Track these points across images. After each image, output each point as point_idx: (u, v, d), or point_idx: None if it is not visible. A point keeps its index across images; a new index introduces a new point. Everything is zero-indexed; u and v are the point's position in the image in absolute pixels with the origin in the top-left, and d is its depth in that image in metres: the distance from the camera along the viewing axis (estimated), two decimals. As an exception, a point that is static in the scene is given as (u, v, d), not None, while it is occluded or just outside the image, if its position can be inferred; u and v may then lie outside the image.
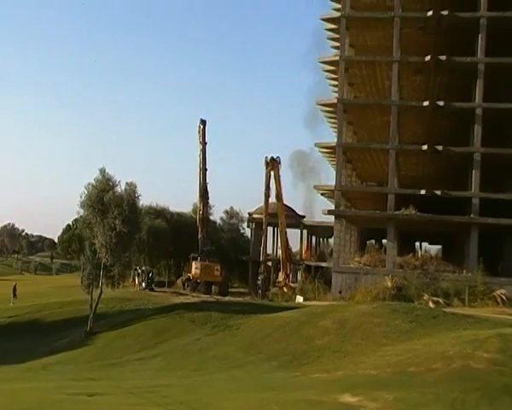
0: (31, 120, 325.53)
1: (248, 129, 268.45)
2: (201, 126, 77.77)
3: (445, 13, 72.53)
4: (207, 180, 78.65)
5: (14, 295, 73.77)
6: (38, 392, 35.41)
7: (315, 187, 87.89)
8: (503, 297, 63.23)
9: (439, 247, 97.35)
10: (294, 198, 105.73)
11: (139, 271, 74.45)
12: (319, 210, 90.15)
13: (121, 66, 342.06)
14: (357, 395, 31.37)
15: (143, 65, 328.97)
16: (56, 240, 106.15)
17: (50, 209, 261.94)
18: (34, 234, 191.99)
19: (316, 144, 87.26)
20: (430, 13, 72.70)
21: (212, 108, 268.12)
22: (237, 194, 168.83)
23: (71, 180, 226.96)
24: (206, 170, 78.15)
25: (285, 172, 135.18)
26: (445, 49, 72.97)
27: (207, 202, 79.23)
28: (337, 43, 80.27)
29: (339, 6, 77.81)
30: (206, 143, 77.86)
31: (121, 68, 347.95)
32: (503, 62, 72.09)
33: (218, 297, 67.21)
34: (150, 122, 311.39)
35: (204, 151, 77.73)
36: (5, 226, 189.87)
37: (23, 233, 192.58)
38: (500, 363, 34.33)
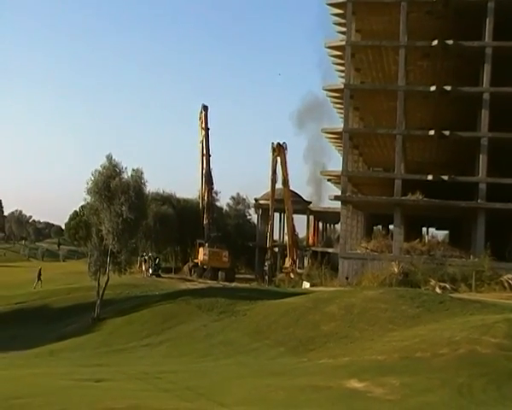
0: (40, 107, 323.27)
1: (254, 114, 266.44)
2: (203, 112, 77.94)
3: (452, -4, 72.50)
4: (211, 166, 78.92)
5: (39, 279, 74.45)
6: (46, 378, 35.58)
7: (321, 173, 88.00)
8: (511, 282, 63.24)
9: (446, 232, 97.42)
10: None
11: (146, 257, 74.61)
12: (326, 196, 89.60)
13: (122, 54, 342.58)
14: (364, 380, 31.48)
15: (148, 53, 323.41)
16: (63, 227, 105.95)
17: (57, 196, 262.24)
18: (41, 221, 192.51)
19: (322, 130, 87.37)
20: (437, -4, 72.72)
21: (216, 93, 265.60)
22: (244, 180, 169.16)
23: (78, 167, 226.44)
24: (209, 156, 78.29)
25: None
26: (452, 33, 72.69)
27: (212, 188, 79.37)
28: (343, 28, 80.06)
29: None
30: (208, 129, 78.00)
31: (123, 56, 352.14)
32: (510, 46, 71.85)
33: (225, 283, 67.34)
34: (156, 109, 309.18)
35: (207, 137, 77.83)
36: (12, 213, 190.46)
37: (30, 220, 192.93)
38: (507, 348, 34.37)
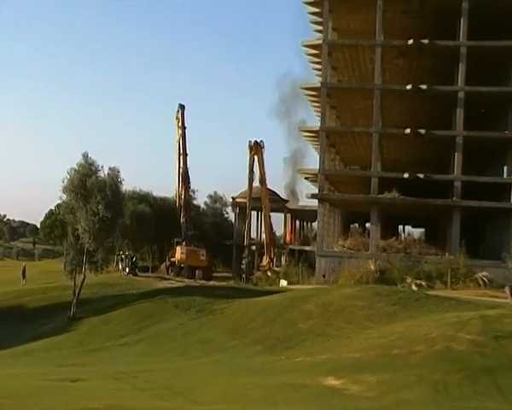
0: (13, 105, 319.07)
1: (232, 112, 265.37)
2: (180, 111, 77.98)
3: (426, -5, 72.98)
4: (188, 165, 79.04)
5: (24, 277, 75.12)
6: (21, 378, 35.51)
7: (299, 170, 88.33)
8: (485, 279, 63.69)
9: (422, 230, 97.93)
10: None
11: (122, 256, 74.62)
12: (303, 195, 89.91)
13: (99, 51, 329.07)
14: (341, 377, 31.64)
15: (126, 50, 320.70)
16: (39, 225, 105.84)
17: (32, 195, 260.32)
18: (16, 219, 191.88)
19: (299, 128, 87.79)
20: (411, -3, 73.19)
21: (194, 90, 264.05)
22: (221, 178, 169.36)
23: (53, 165, 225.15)
24: (186, 155, 78.42)
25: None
26: (428, 32, 73.08)
27: (189, 187, 79.48)
28: (320, 27, 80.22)
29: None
30: (185, 128, 78.06)
31: (101, 54, 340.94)
32: (484, 46, 72.35)
33: (202, 282, 67.41)
34: (132, 107, 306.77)
35: (184, 136, 77.93)
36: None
37: (4, 219, 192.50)
38: (482, 344, 34.66)
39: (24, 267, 77.61)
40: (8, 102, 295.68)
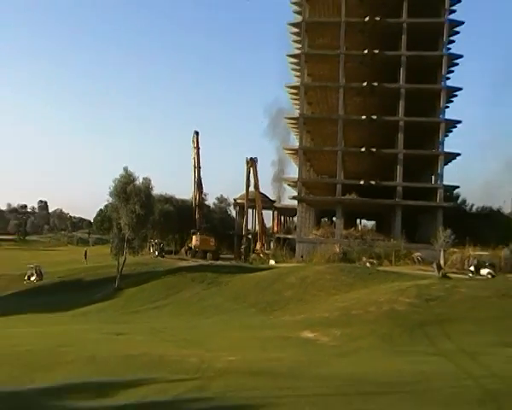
0: (77, 124, 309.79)
1: (235, 133, 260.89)
2: (195, 136, 77.98)
3: (376, 51, 73.28)
4: (201, 175, 79.10)
5: (86, 258, 76.06)
6: (79, 332, 35.60)
7: (282, 178, 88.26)
8: (419, 258, 64.00)
9: (374, 222, 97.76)
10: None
11: (153, 243, 74.54)
12: (286, 197, 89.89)
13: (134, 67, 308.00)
14: (315, 331, 31.80)
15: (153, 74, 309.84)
16: (92, 220, 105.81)
17: (87, 197, 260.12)
18: (76, 216, 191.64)
19: (283, 147, 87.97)
20: (366, 51, 73.42)
21: (206, 116, 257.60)
22: (225, 184, 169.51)
23: (102, 174, 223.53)
24: (200, 168, 78.46)
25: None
26: (378, 77, 73.53)
27: (202, 192, 79.40)
28: (298, 73, 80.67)
29: (299, 45, 78.23)
30: (199, 149, 78.05)
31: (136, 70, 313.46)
32: (417, 87, 73.14)
33: (212, 261, 67.30)
34: (160, 129, 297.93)
35: (198, 154, 77.90)
36: (55, 211, 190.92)
37: (68, 216, 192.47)
38: (416, 305, 34.90)
39: (86, 251, 78.93)
40: (76, 128, 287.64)
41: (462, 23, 75.73)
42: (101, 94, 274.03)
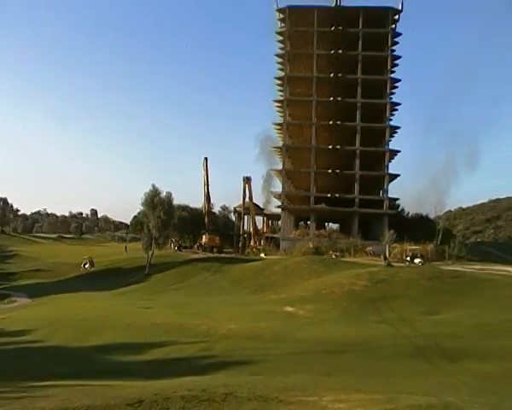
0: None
1: (236, 157, 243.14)
2: (205, 161, 77.23)
3: (339, 99, 73.36)
4: (210, 190, 78.52)
5: (126, 251, 74.33)
6: (120, 306, 35.57)
7: (271, 192, 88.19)
8: (371, 251, 63.87)
9: (338, 225, 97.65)
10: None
11: (173, 240, 74.09)
12: (273, 206, 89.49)
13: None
14: (294, 306, 31.85)
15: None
16: (129, 223, 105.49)
17: (126, 206, 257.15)
18: (117, 220, 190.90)
19: (271, 169, 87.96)
20: (331, 98, 73.52)
21: (213, 142, 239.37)
22: (228, 196, 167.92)
23: (137, 187, 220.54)
24: (208, 185, 77.78)
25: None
26: (340, 117, 73.54)
27: (210, 202, 78.97)
28: (282, 114, 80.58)
29: (282, 93, 78.31)
30: (207, 170, 77.14)
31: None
32: (370, 126, 73.22)
33: (217, 254, 67.04)
34: (179, 152, 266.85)
35: (207, 175, 77.10)
36: (102, 216, 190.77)
37: (111, 220, 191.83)
38: (368, 286, 34.97)
39: (126, 246, 78.52)
40: (115, 151, 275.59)
41: (399, 80, 76.55)
42: (138, 132, 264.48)
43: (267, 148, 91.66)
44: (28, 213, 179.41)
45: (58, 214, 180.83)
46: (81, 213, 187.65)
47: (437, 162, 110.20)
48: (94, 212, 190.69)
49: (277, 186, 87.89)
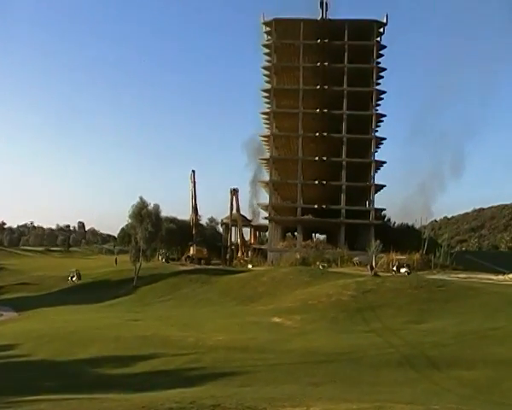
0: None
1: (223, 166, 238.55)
2: (192, 174, 76.69)
3: (325, 110, 73.97)
4: (197, 202, 77.96)
5: (116, 263, 73.52)
6: (106, 319, 35.32)
7: (258, 204, 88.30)
8: (358, 262, 64.08)
9: (325, 235, 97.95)
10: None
11: (161, 252, 73.56)
12: (261, 217, 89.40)
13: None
14: (281, 317, 31.84)
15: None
16: (116, 236, 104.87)
17: (113, 218, 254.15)
18: (104, 233, 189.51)
19: (258, 181, 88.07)
20: (317, 110, 74.08)
21: (201, 154, 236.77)
22: (215, 207, 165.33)
23: (123, 200, 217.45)
24: (196, 197, 77.18)
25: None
26: (326, 129, 74.11)
27: (197, 214, 78.46)
28: (268, 126, 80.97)
29: (269, 105, 78.65)
30: (195, 183, 76.68)
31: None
32: (355, 137, 73.87)
33: (205, 266, 66.68)
34: (166, 165, 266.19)
35: (194, 187, 76.50)
36: (89, 229, 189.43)
37: (99, 232, 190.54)
38: (355, 296, 35.10)
39: (116, 258, 77.88)
40: (100, 165, 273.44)
41: (385, 92, 77.35)
42: (127, 140, 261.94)
43: (255, 154, 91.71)
44: (15, 226, 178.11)
45: (45, 227, 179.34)
46: (68, 226, 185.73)
47: (422, 172, 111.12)
48: (81, 224, 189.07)
49: (264, 197, 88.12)
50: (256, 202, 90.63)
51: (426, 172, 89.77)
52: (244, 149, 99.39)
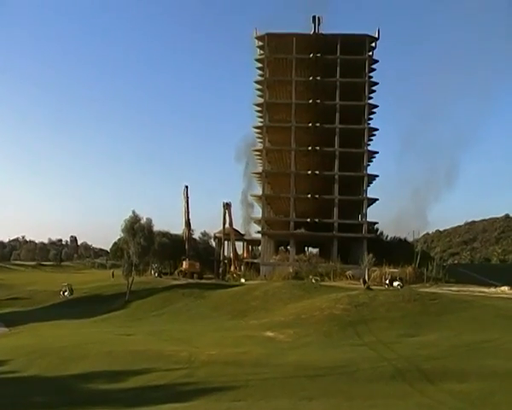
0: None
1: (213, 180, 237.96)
2: (185, 189, 76.62)
3: (318, 124, 74.42)
4: (190, 216, 77.81)
5: (113, 276, 72.47)
6: (100, 333, 35.11)
7: (251, 218, 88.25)
8: (350, 275, 64.17)
9: (318, 249, 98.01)
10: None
11: (153, 266, 73.34)
12: (254, 231, 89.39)
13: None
14: (274, 331, 31.77)
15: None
16: (109, 250, 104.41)
17: (106, 232, 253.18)
18: (97, 247, 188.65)
19: (251, 195, 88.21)
20: (310, 124, 74.50)
21: (194, 171, 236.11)
22: (208, 222, 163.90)
23: (116, 214, 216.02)
24: (189, 212, 77.08)
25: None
26: (319, 143, 74.48)
27: (190, 228, 78.37)
28: (261, 139, 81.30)
29: (262, 119, 79.08)
30: (188, 198, 76.65)
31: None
32: (347, 151, 74.23)
33: (197, 280, 66.48)
34: (161, 181, 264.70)
35: (187, 202, 76.50)
36: (82, 243, 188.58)
37: (91, 246, 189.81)
38: (348, 310, 35.12)
39: (113, 272, 76.89)
40: (94, 180, 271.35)
41: (377, 106, 77.89)
42: (118, 158, 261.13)
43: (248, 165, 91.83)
44: (6, 240, 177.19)
45: (37, 241, 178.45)
46: (60, 240, 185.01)
47: (415, 185, 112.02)
48: (73, 239, 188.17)
49: (257, 211, 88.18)
50: (249, 216, 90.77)
51: (418, 185, 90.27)
52: (237, 161, 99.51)
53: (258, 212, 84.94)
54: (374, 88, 77.54)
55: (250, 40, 78.87)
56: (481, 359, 21.41)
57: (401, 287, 51.69)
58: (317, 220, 74.06)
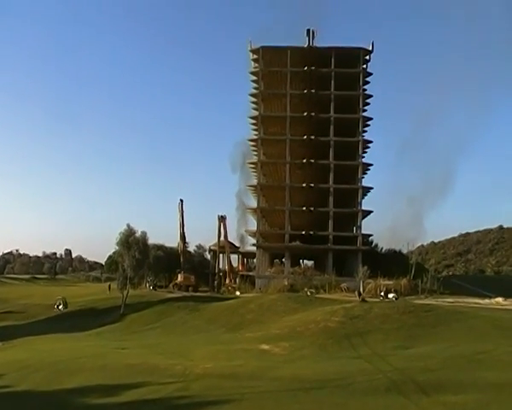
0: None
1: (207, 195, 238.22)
2: (180, 203, 76.71)
3: (312, 137, 74.80)
4: (185, 229, 77.77)
5: (109, 290, 71.21)
6: (94, 347, 34.88)
7: (246, 231, 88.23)
8: (345, 288, 64.22)
9: (313, 262, 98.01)
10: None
11: (148, 279, 73.18)
12: (249, 244, 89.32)
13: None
14: (269, 344, 31.67)
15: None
16: (104, 263, 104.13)
17: (100, 245, 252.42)
18: (91, 260, 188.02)
19: (246, 207, 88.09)
20: (305, 137, 74.89)
21: (192, 184, 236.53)
22: (203, 234, 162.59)
23: (111, 227, 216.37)
24: (184, 225, 77.05)
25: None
26: (314, 156, 74.82)
27: (185, 241, 78.33)
28: (256, 152, 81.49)
29: (257, 132, 79.35)
30: (183, 212, 76.67)
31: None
32: (343, 163, 74.51)
33: (192, 293, 66.38)
34: (156, 193, 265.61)
35: (182, 215, 76.50)
36: (76, 256, 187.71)
37: (86, 260, 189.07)
38: (343, 322, 35.09)
39: (109, 285, 75.50)
40: (89, 192, 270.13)
41: (371, 119, 78.36)
42: (111, 172, 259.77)
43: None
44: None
45: (31, 255, 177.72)
46: (55, 254, 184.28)
47: (409, 196, 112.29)
48: (68, 252, 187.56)
49: (252, 224, 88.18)
50: (244, 229, 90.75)
51: (413, 197, 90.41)
52: (233, 172, 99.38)
53: (253, 224, 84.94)
54: (368, 100, 78.14)
55: (245, 53, 79.54)
56: (477, 370, 21.41)
57: (396, 299, 51.78)
58: (311, 233, 74.22)
